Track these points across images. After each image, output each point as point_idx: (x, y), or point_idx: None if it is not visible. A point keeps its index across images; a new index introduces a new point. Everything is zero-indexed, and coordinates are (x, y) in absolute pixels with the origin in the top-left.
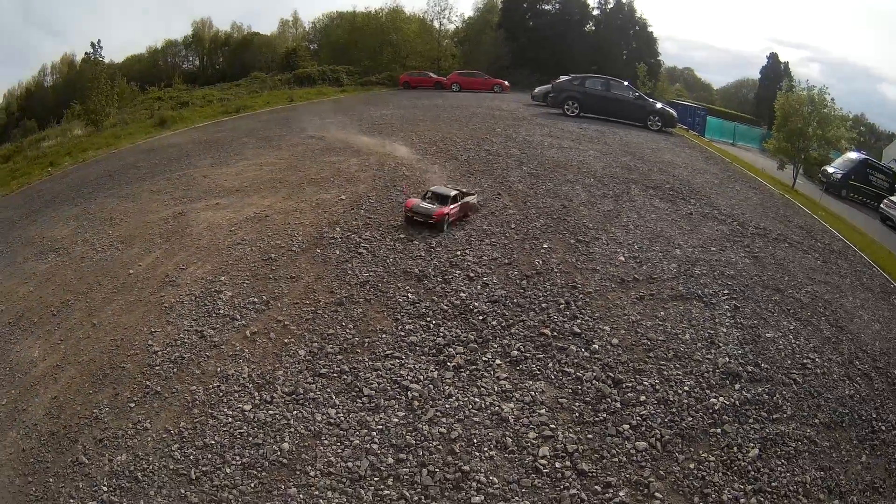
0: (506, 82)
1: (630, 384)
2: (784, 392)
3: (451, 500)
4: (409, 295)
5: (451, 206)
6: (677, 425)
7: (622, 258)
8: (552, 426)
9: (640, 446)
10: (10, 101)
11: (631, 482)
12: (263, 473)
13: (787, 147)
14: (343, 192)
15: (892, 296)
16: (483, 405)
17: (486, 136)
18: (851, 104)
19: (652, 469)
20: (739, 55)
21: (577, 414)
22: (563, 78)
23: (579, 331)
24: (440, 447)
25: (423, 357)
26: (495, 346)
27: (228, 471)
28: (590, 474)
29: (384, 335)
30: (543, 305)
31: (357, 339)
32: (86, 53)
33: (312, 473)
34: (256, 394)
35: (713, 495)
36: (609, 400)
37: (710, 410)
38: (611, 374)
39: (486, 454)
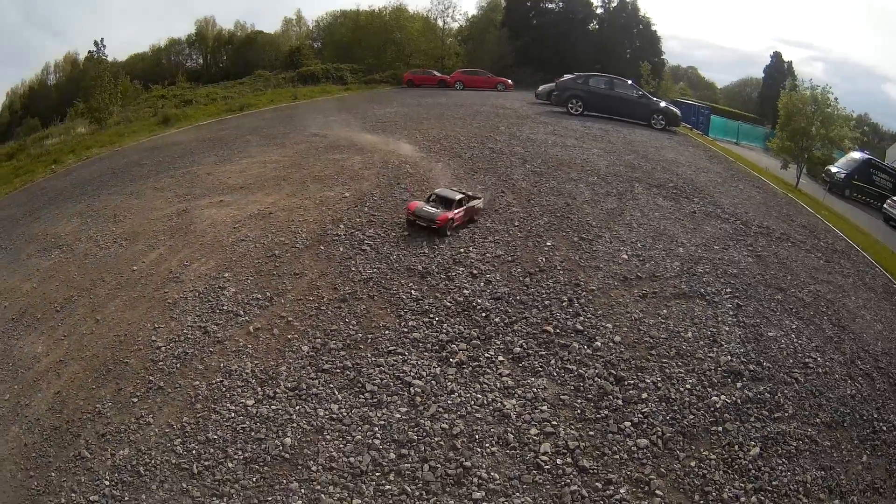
0: (509, 81)
1: (632, 382)
2: (786, 391)
3: (453, 496)
4: (413, 291)
5: (456, 211)
6: (679, 423)
7: (625, 256)
8: (554, 423)
9: (641, 444)
10: (13, 100)
11: (632, 479)
12: (265, 468)
13: (791, 146)
14: (347, 190)
15: (894, 296)
16: (485, 401)
17: (490, 134)
18: (855, 104)
19: (653, 466)
20: (743, 54)
21: (578, 411)
22: (567, 76)
23: (582, 328)
24: (442, 443)
25: (425, 353)
26: (498, 342)
27: (230, 465)
28: (591, 471)
29: (387, 331)
30: (546, 303)
31: (360, 335)
32: (89, 52)
33: (314, 468)
34: (259, 389)
35: (714, 493)
36: (611, 397)
37: (712, 409)
38: (613, 371)
39: (488, 450)
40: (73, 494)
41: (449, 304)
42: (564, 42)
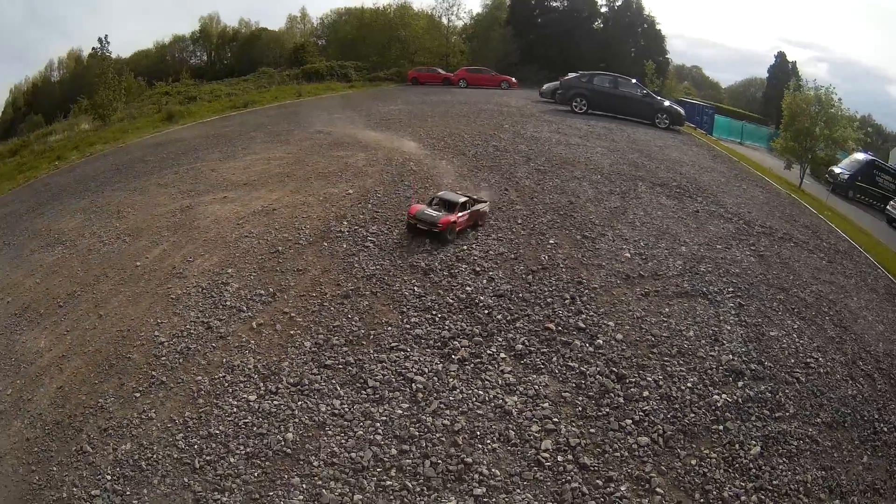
0: (513, 79)
1: (633, 380)
2: (787, 391)
3: (453, 492)
4: (416, 288)
5: (459, 214)
6: (680, 421)
7: (628, 254)
8: (555, 420)
9: (642, 441)
10: (16, 96)
11: (632, 477)
12: (267, 463)
13: (794, 146)
14: (351, 187)
15: None
16: (487, 398)
17: (494, 132)
18: (858, 104)
19: (654, 464)
20: (748, 54)
21: (580, 408)
22: (572, 75)
23: (584, 326)
24: (443, 439)
25: (428, 350)
26: (500, 339)
27: (232, 460)
28: (592, 468)
29: (390, 328)
30: (549, 300)
31: (363, 331)
32: (93, 48)
33: (316, 463)
34: (262, 384)
35: (714, 492)
36: (612, 395)
37: (713, 407)
38: (614, 369)
39: (489, 446)
40: (74, 489)
41: (451, 300)
42: (569, 40)
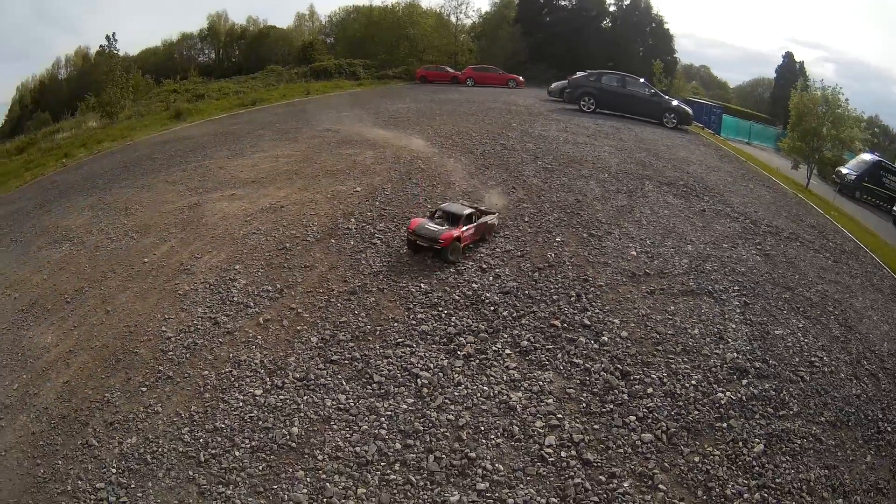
0: (520, 77)
1: (638, 376)
2: (791, 389)
3: (457, 487)
4: (422, 285)
5: (464, 228)
6: (683, 418)
7: (634, 253)
8: (559, 416)
9: (645, 438)
10: (23, 94)
11: (635, 473)
12: (272, 457)
13: (802, 146)
14: (358, 184)
15: None
16: (491, 394)
17: (502, 130)
18: (865, 105)
19: (657, 461)
20: (756, 54)
21: (584, 404)
22: (580, 74)
23: (589, 323)
24: (447, 434)
25: (433, 346)
26: (505, 336)
27: (237, 454)
28: (595, 464)
29: (396, 324)
30: (554, 297)
31: (369, 327)
32: (100, 46)
33: (320, 457)
34: (268, 379)
35: (717, 489)
36: (616, 391)
37: (717, 405)
38: (619, 366)
39: (493, 442)
40: (79, 482)
41: (458, 297)
42: (577, 39)
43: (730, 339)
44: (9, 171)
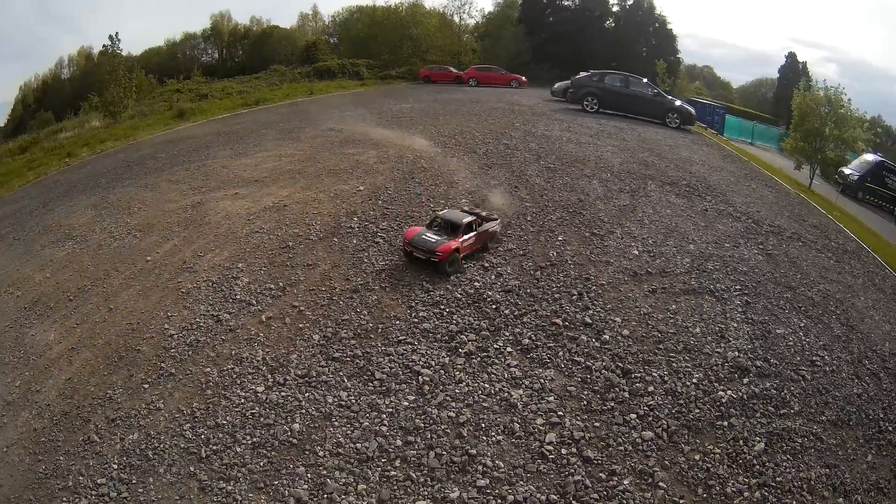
0: (523, 77)
1: (639, 375)
2: (792, 388)
3: (457, 483)
4: (424, 283)
5: (464, 238)
6: (684, 417)
7: (636, 252)
8: (560, 413)
9: (646, 436)
10: (25, 94)
11: (636, 471)
12: (273, 453)
13: (804, 147)
14: (361, 183)
15: None
16: (492, 391)
17: (505, 130)
18: (868, 106)
19: (657, 459)
20: (759, 54)
21: (584, 402)
22: (583, 74)
23: (590, 321)
24: (448, 431)
25: (435, 343)
26: (507, 334)
27: (238, 450)
28: (595, 462)
29: (398, 321)
30: (556, 296)
31: (371, 324)
32: (103, 46)
33: (321, 453)
34: (270, 376)
35: (717, 487)
36: (617, 389)
37: (718, 403)
38: (620, 364)
39: (494, 439)
40: (80, 478)
41: (460, 295)
42: (580, 39)
43: (731, 338)
44: (12, 170)
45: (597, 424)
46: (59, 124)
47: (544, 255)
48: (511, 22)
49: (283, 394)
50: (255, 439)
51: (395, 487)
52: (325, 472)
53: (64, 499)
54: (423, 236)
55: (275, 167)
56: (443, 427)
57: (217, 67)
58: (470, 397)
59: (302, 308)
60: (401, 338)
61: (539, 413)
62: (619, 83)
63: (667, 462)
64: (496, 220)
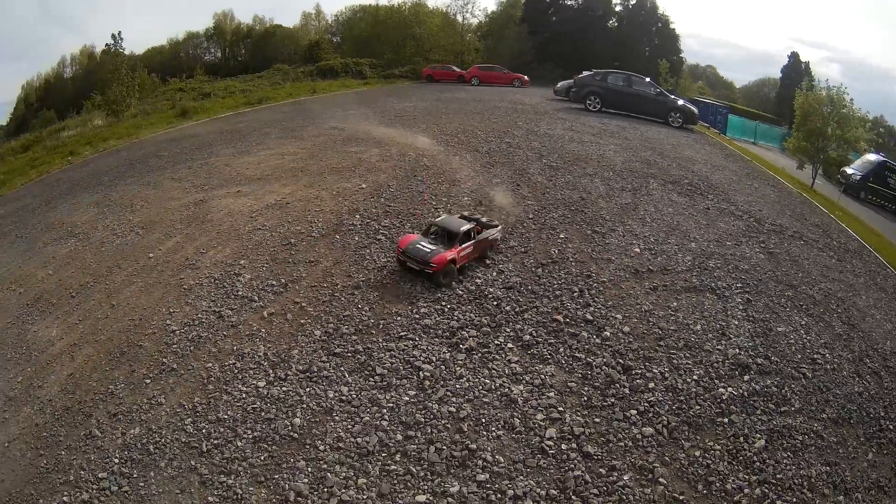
0: (525, 76)
1: (639, 371)
2: (793, 385)
3: (457, 478)
4: (426, 280)
5: (461, 247)
6: (684, 413)
7: (637, 249)
8: (560, 409)
9: (646, 432)
10: (28, 92)
11: (636, 467)
12: (274, 447)
13: (807, 146)
14: (364, 181)
15: None
16: (493, 386)
17: (508, 129)
18: (871, 106)
19: (657, 455)
20: (761, 54)
21: (585, 398)
22: (586, 73)
23: (591, 318)
24: (448, 426)
25: (436, 339)
26: (508, 330)
27: (239, 444)
28: (595, 457)
29: (399, 317)
30: (557, 293)
31: (372, 320)
32: (106, 45)
33: (322, 448)
34: (271, 371)
35: (717, 484)
36: (618, 386)
37: (718, 400)
38: (621, 360)
39: (494, 434)
40: (81, 472)
41: (461, 292)
42: (583, 39)
43: (732, 336)
44: (14, 168)
45: (597, 420)
46: (61, 123)
47: (546, 252)
48: (514, 21)
49: (284, 389)
50: (256, 434)
51: (396, 481)
52: (325, 466)
53: (65, 493)
54: (418, 245)
55: (277, 165)
56: (443, 422)
57: (220, 66)
58: (470, 392)
59: (304, 304)
60: (402, 333)
61: (539, 409)
62: (621, 82)
63: (667, 458)
64: (497, 226)
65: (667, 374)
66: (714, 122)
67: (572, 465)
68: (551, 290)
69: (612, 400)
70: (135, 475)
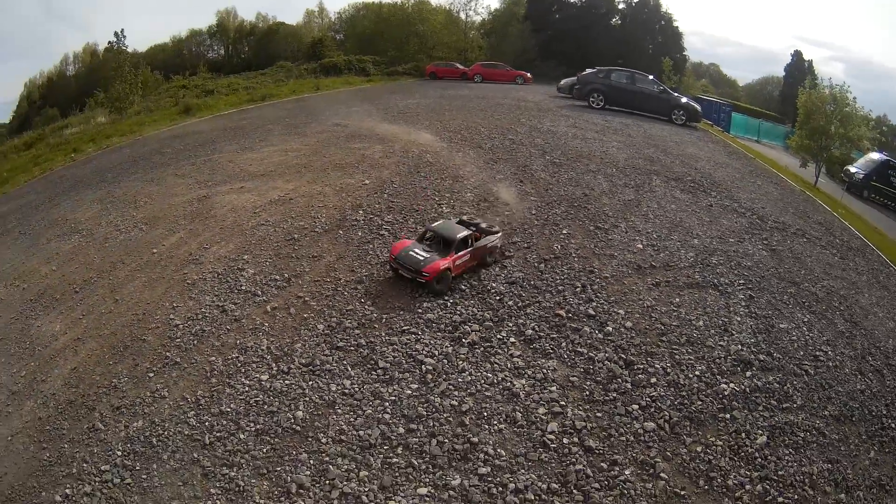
0: (528, 74)
1: (641, 366)
2: (795, 382)
3: (458, 471)
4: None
5: (457, 255)
6: (686, 408)
7: (640, 245)
8: (562, 403)
9: (648, 427)
10: (31, 90)
11: (637, 461)
12: (276, 440)
13: (810, 145)
14: (367, 177)
15: None
16: (495, 380)
17: (511, 125)
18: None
19: (659, 450)
20: (765, 52)
21: (587, 392)
22: (589, 71)
23: (594, 313)
24: (450, 419)
25: (438, 333)
26: (510, 324)
27: (242, 436)
28: (597, 451)
29: (402, 312)
30: (560, 288)
31: (375, 314)
32: (109, 42)
33: (324, 440)
34: (274, 365)
35: (719, 479)
36: (620, 380)
37: (720, 396)
38: (623, 355)
39: (496, 427)
40: (84, 465)
41: (464, 287)
42: (586, 36)
43: (734, 332)
44: (17, 165)
45: (599, 415)
46: (64, 120)
47: (548, 247)
48: (517, 19)
49: (287, 382)
50: (258, 426)
51: (397, 474)
52: (327, 458)
53: (68, 485)
54: (411, 252)
55: (281, 161)
56: (445, 415)
57: (223, 64)
58: (472, 386)
59: (307, 299)
60: (404, 328)
61: (541, 403)
62: (625, 80)
63: (668, 453)
64: (497, 232)
65: (669, 370)
66: (717, 119)
67: (574, 460)
68: (554, 285)
69: (614, 395)
70: (137, 467)
